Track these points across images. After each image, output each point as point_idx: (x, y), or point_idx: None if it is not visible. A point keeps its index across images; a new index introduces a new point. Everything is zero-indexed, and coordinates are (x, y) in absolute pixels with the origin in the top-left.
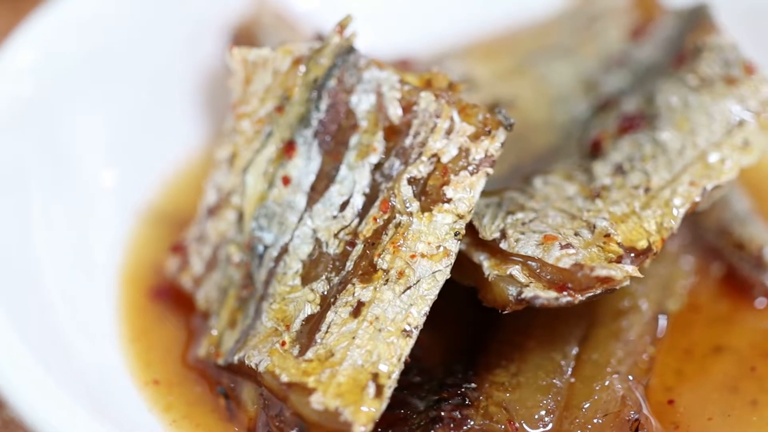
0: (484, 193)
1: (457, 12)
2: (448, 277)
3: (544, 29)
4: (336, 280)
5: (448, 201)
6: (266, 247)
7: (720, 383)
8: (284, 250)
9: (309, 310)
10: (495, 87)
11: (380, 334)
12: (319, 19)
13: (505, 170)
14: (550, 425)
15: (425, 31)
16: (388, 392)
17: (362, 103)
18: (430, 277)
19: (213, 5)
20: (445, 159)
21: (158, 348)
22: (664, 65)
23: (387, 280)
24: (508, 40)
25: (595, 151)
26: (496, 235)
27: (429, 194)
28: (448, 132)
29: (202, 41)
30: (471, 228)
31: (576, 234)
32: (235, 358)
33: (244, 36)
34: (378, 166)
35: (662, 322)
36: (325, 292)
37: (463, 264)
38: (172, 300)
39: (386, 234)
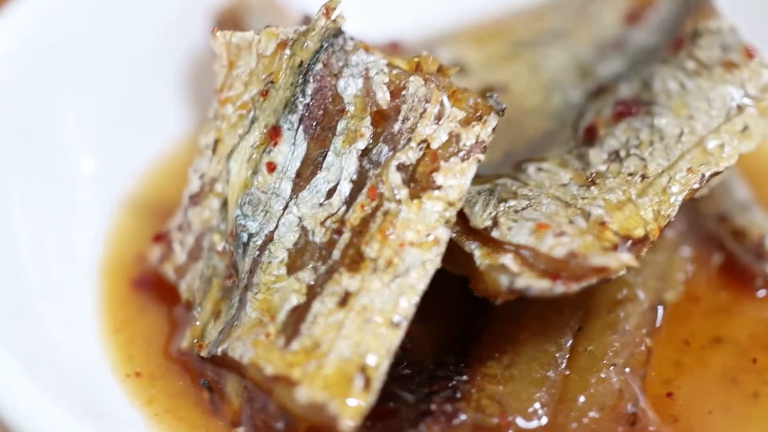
0: (476, 180)
1: None
2: (439, 266)
3: (538, 13)
4: (322, 269)
5: (438, 188)
6: (251, 236)
7: (720, 375)
8: (269, 238)
9: (294, 300)
10: (487, 73)
11: (368, 324)
12: (309, 2)
13: (498, 157)
14: (545, 419)
15: (415, 15)
16: (376, 385)
17: (349, 87)
18: (420, 267)
19: None
20: (434, 145)
21: (140, 340)
22: (661, 50)
23: (375, 270)
24: (501, 24)
25: (590, 137)
26: (488, 223)
27: (418, 181)
28: (438, 117)
29: (187, 25)
30: (462, 216)
31: (570, 222)
32: (219, 350)
33: (230, 19)
34: (366, 153)
35: (660, 312)
36: (312, 282)
37: (453, 252)
38: (155, 290)
39: (374, 222)
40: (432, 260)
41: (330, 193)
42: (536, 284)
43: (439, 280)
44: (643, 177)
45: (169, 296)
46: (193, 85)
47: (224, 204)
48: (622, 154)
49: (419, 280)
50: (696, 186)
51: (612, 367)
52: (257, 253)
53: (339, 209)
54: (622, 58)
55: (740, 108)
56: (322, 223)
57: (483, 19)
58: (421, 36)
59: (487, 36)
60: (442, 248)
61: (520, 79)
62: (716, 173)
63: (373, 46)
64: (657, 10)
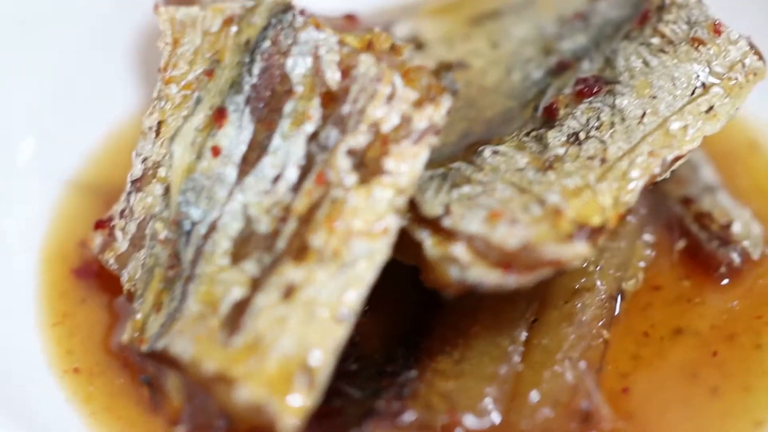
0: (429, 165)
1: None
2: (389, 256)
3: None
4: (267, 260)
5: (388, 174)
6: (194, 224)
7: (679, 369)
8: (213, 227)
9: (238, 292)
10: (444, 47)
11: (313, 318)
12: None
13: (455, 138)
14: (496, 416)
15: None
16: (320, 383)
17: (298, 66)
18: (368, 257)
19: None
20: (385, 128)
21: (80, 333)
22: (627, 23)
23: (321, 260)
24: None
25: (549, 117)
26: (440, 210)
27: (367, 166)
28: (390, 98)
29: None
30: (413, 203)
31: (525, 209)
32: (159, 345)
33: None
34: (314, 136)
35: (619, 302)
36: (256, 273)
37: (404, 241)
38: (97, 280)
39: (321, 210)
40: (380, 250)
41: (276, 179)
42: (487, 277)
43: (389, 269)
44: (603, 161)
45: (111, 286)
46: (144, 62)
47: (167, 190)
48: (582, 136)
49: (367, 271)
50: (657, 170)
51: (567, 361)
52: (200, 242)
53: (285, 196)
54: (586, 32)
55: (705, 87)
56: (268, 211)
57: None
58: (379, 7)
59: (446, 8)
60: (391, 238)
61: (480, 54)
62: (678, 157)
63: (326, 20)
64: None
